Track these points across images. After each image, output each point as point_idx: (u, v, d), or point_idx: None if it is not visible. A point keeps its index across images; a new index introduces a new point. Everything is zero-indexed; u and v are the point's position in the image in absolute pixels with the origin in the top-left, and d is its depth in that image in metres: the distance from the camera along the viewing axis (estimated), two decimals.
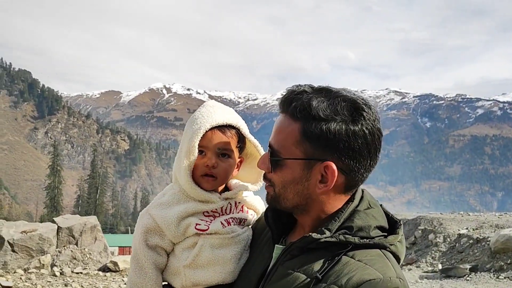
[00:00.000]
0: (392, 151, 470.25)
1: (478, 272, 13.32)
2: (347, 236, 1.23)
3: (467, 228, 18.32)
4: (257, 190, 1.61)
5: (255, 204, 1.64)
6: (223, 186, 1.58)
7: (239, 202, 1.58)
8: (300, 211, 1.33)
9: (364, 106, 1.25)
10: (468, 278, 13.01)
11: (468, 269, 13.48)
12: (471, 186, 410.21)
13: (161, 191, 1.59)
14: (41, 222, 13.95)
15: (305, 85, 1.30)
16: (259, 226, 1.56)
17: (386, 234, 1.28)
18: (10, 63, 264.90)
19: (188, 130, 1.49)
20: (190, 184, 1.47)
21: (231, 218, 1.53)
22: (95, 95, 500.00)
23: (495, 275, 12.62)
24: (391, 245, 1.26)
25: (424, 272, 15.61)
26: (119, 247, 33.71)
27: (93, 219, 13.84)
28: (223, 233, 1.48)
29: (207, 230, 1.46)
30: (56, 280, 10.21)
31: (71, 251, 12.06)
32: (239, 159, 1.58)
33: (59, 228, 12.82)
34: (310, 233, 1.24)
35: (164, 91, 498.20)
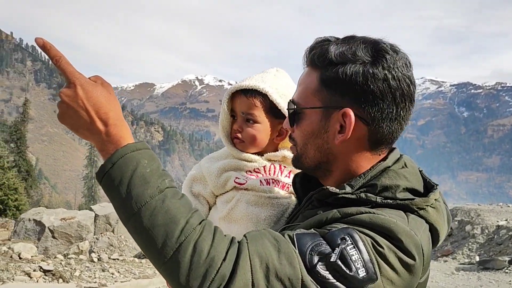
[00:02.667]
0: (428, 142, 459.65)
1: None
2: (368, 194, 1.12)
3: (506, 220, 17.75)
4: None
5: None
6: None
7: (284, 167, 1.55)
8: (323, 171, 1.24)
9: (388, 48, 1.14)
10: (507, 270, 12.63)
11: (507, 261, 13.08)
12: (511, 177, 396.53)
13: None
14: (79, 210, 14.42)
15: (330, 36, 1.22)
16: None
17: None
18: None
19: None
20: (225, 142, 1.55)
21: (272, 179, 1.51)
22: (130, 87, 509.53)
23: None
24: (420, 209, 1.11)
25: (460, 264, 15.26)
26: None
27: None
28: (260, 190, 1.47)
29: (244, 184, 1.47)
30: (94, 266, 10.54)
31: (108, 238, 12.42)
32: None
33: (96, 215, 13.21)
34: (328, 186, 1.16)
35: (197, 83, 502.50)
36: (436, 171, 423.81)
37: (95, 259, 11.07)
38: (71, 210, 17.00)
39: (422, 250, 1.04)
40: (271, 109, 1.49)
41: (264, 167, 1.52)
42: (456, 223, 19.40)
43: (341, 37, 1.21)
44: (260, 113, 1.49)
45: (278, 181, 1.52)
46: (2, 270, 8.54)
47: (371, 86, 1.11)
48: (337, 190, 1.14)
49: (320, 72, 1.17)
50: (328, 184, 1.24)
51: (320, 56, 1.17)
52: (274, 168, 1.54)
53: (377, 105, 1.12)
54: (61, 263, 10.15)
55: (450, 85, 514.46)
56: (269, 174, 1.53)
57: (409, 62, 1.16)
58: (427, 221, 1.12)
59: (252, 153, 1.53)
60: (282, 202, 1.48)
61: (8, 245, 11.22)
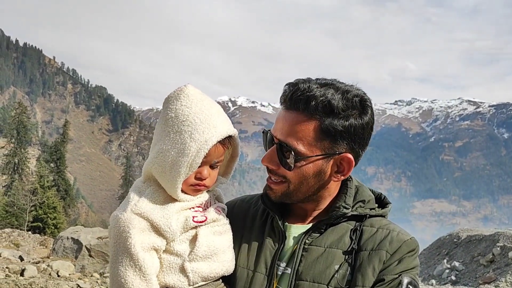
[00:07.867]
0: (466, 164, 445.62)
1: None
2: (364, 209, 1.39)
3: None
4: (227, 182, 1.57)
5: (220, 195, 1.59)
6: None
7: (214, 194, 1.55)
8: (308, 199, 1.40)
9: (368, 99, 1.34)
10: None
11: None
12: None
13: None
14: None
15: (307, 79, 1.34)
16: (235, 214, 1.55)
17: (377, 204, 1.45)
18: (88, 80, 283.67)
19: (187, 138, 1.34)
20: (180, 195, 1.40)
21: (217, 207, 1.50)
22: None
23: None
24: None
25: None
26: None
27: None
28: (220, 220, 1.46)
29: (205, 220, 1.42)
30: None
31: None
32: None
33: None
34: (337, 209, 1.37)
35: (230, 104, 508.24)
36: (475, 195, 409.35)
37: None
38: (107, 229, 17.22)
39: None
40: None
41: (207, 199, 1.51)
42: (499, 249, 18.57)
43: (313, 79, 1.35)
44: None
45: (220, 207, 1.53)
46: (42, 287, 8.74)
47: (363, 134, 1.34)
48: (346, 210, 1.37)
49: (321, 122, 1.29)
50: (308, 206, 1.45)
51: (323, 107, 1.28)
52: (213, 196, 1.56)
53: (363, 146, 1.37)
54: (97, 282, 10.29)
55: (489, 106, 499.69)
56: (213, 203, 1.53)
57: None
58: None
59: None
60: (229, 225, 1.52)
61: (47, 263, 11.50)
